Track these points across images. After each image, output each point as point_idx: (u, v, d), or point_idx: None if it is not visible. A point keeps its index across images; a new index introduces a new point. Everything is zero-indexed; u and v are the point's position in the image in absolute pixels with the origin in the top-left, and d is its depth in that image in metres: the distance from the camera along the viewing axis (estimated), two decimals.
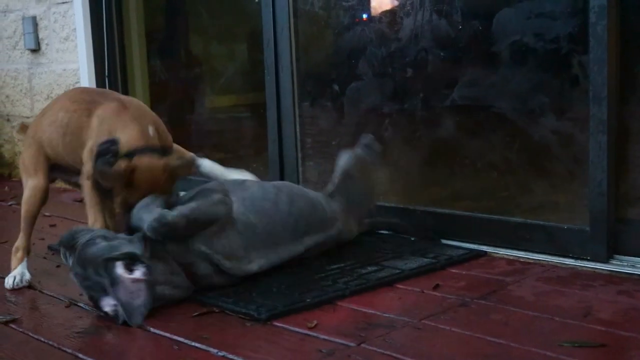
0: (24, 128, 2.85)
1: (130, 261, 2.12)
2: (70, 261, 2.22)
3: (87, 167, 2.42)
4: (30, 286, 2.48)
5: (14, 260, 2.57)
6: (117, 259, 2.12)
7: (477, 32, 2.77)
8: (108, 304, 2.11)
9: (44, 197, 2.61)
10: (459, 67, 2.84)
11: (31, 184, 2.60)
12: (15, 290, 2.48)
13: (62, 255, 2.29)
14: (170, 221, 2.19)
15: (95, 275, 2.12)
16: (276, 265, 2.40)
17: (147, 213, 2.23)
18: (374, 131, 3.14)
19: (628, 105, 2.42)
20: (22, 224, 2.60)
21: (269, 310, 2.06)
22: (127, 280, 2.09)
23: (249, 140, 4.00)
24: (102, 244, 2.18)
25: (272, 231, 2.40)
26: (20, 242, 2.59)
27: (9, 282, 2.51)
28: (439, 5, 2.84)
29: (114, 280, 2.09)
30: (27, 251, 2.59)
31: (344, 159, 2.79)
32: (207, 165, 2.69)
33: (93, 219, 2.48)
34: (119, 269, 2.10)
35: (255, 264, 2.34)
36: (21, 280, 2.51)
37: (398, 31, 2.99)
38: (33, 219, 2.60)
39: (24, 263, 2.56)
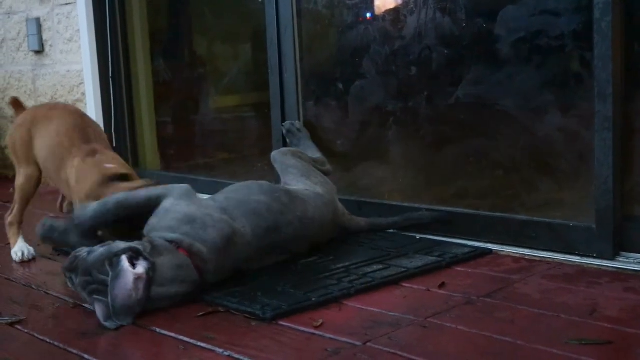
0: (16, 104, 3.02)
1: (134, 255, 2.12)
2: (77, 282, 2.20)
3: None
4: (35, 287, 2.48)
5: (10, 235, 2.85)
6: (122, 252, 2.12)
7: (481, 29, 2.77)
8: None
9: (38, 183, 2.89)
10: (463, 65, 2.84)
11: (24, 172, 2.85)
12: (24, 262, 2.78)
13: (68, 282, 2.29)
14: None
15: (100, 274, 2.13)
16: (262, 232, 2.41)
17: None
18: (379, 129, 3.14)
19: (633, 102, 2.41)
20: (17, 204, 2.86)
21: (275, 309, 2.06)
22: (130, 274, 2.08)
23: (253, 140, 4.00)
24: (102, 249, 2.18)
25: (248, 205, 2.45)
26: (13, 217, 2.86)
27: (18, 255, 2.79)
28: (443, 3, 2.83)
29: (117, 274, 2.08)
30: (20, 224, 2.86)
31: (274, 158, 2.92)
32: None
33: None
34: (124, 262, 2.10)
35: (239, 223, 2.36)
36: (28, 254, 2.80)
37: (402, 29, 2.98)
38: (28, 201, 2.88)
39: (22, 237, 2.84)
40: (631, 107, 2.41)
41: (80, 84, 4.29)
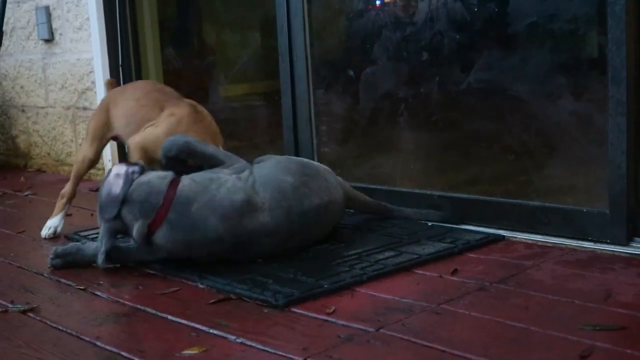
0: (111, 84, 3.29)
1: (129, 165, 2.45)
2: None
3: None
4: (47, 275, 2.48)
5: (57, 205, 3.04)
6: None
7: (492, 14, 2.75)
8: None
9: (92, 165, 3.09)
10: (475, 50, 2.82)
11: (85, 151, 3.04)
12: (49, 239, 2.94)
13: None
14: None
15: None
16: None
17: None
18: (390, 116, 3.12)
19: None
20: (72, 179, 3.06)
21: (287, 296, 2.06)
22: (112, 173, 2.43)
23: (264, 127, 3.99)
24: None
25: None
26: (66, 189, 3.04)
27: (45, 231, 2.97)
28: None
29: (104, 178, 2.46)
30: (70, 199, 3.05)
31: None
32: None
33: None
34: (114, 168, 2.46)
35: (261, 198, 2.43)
36: (54, 232, 2.97)
37: (413, 15, 2.96)
38: (80, 177, 3.08)
39: (63, 213, 3.02)
40: None
41: (90, 72, 4.28)
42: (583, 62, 2.59)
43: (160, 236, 2.37)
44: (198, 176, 2.45)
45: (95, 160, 3.07)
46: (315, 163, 2.80)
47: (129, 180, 2.41)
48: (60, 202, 3.04)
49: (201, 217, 2.34)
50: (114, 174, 2.43)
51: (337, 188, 2.66)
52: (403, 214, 2.85)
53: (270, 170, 2.51)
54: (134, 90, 3.02)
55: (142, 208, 2.37)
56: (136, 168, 2.45)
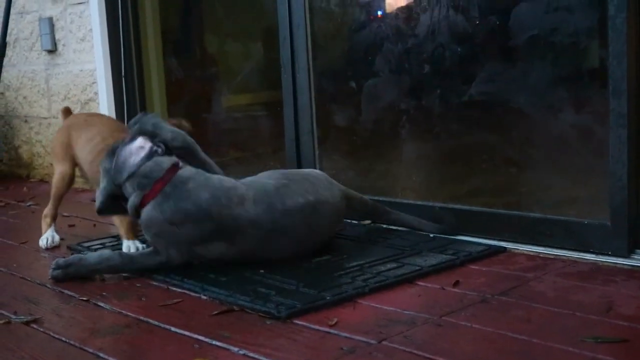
0: (66, 113, 3.29)
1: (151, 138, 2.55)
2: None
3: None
4: (50, 286, 2.49)
5: (43, 225, 3.08)
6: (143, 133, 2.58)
7: (494, 27, 2.76)
8: None
9: (70, 181, 3.12)
10: (476, 62, 2.83)
11: (59, 169, 3.09)
12: (49, 249, 3.00)
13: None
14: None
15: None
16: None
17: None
18: (392, 127, 3.14)
19: None
20: (52, 199, 3.09)
21: (289, 308, 2.06)
22: (138, 142, 2.53)
23: (266, 138, 4.00)
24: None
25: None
26: (48, 210, 3.09)
27: (42, 242, 3.03)
28: (456, 0, 2.83)
29: (128, 141, 2.54)
30: (54, 218, 3.09)
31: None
32: None
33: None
34: (139, 136, 2.55)
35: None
36: (52, 241, 3.04)
37: (415, 27, 2.98)
38: (61, 197, 3.10)
39: (52, 227, 3.08)
40: None
41: (93, 83, 4.30)
42: (584, 75, 2.60)
43: (151, 206, 2.47)
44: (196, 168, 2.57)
45: (73, 176, 3.11)
46: (305, 170, 2.89)
47: (149, 156, 2.51)
48: (45, 221, 3.09)
49: (194, 191, 2.45)
50: (138, 144, 2.53)
51: (330, 189, 2.67)
52: (399, 218, 2.88)
53: (255, 177, 2.65)
54: (101, 126, 3.06)
55: (141, 181, 2.48)
56: (159, 149, 2.54)
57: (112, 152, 2.58)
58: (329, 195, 2.64)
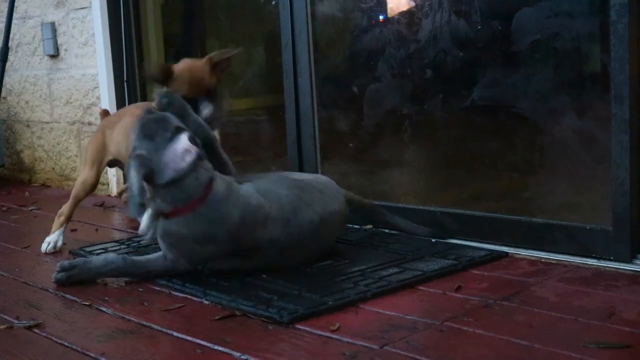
0: (104, 114, 3.35)
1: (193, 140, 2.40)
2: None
3: None
4: (52, 291, 2.49)
5: (55, 224, 3.05)
6: (185, 130, 2.42)
7: (496, 32, 2.76)
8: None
9: (92, 188, 3.11)
10: (478, 67, 2.83)
11: (85, 175, 3.09)
12: (49, 254, 2.97)
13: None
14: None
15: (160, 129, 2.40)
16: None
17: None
18: (393, 132, 3.14)
19: None
20: (71, 200, 3.08)
21: (291, 313, 2.06)
22: (185, 144, 2.37)
23: (268, 142, 4.00)
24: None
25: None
26: (65, 209, 3.07)
27: (43, 247, 3.00)
28: (458, 5, 2.83)
29: (174, 139, 2.38)
30: (68, 218, 3.07)
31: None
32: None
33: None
34: (185, 136, 2.39)
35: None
36: (54, 246, 2.99)
37: (417, 32, 2.98)
38: (79, 200, 3.10)
39: (62, 229, 3.04)
40: None
41: (95, 87, 4.30)
42: (586, 80, 2.60)
43: (179, 222, 2.38)
44: (219, 175, 2.47)
45: (95, 184, 3.11)
46: (312, 176, 2.82)
47: (193, 163, 2.37)
48: (58, 220, 3.06)
49: (227, 213, 2.39)
50: (184, 147, 2.37)
51: (337, 197, 2.67)
52: (393, 221, 2.89)
53: (268, 183, 2.56)
54: (134, 109, 3.04)
55: (178, 195, 2.37)
56: (201, 154, 2.42)
57: (144, 130, 2.42)
58: (336, 204, 2.64)
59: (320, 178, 2.78)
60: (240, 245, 2.41)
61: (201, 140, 2.48)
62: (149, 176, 2.35)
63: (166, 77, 2.69)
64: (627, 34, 2.30)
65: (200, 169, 2.39)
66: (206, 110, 2.66)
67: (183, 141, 2.38)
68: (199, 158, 2.39)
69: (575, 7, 2.52)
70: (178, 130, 2.40)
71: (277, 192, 2.51)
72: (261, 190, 2.50)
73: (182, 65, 2.74)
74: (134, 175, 2.31)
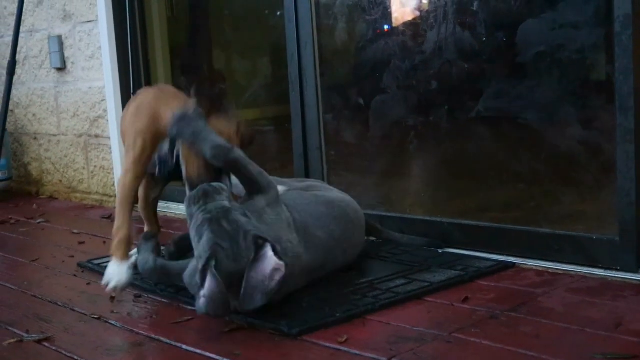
0: None
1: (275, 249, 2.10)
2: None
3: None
4: (61, 304, 2.50)
5: (115, 249, 2.41)
6: (267, 239, 2.11)
7: (501, 43, 2.78)
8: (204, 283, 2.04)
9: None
10: (483, 78, 2.85)
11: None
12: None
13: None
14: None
15: (239, 237, 2.10)
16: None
17: None
18: (400, 144, 3.15)
19: None
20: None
21: (300, 325, 2.07)
22: (272, 262, 2.06)
23: (274, 154, 4.02)
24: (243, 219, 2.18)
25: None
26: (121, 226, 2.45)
27: (105, 281, 2.38)
28: (462, 17, 2.85)
29: (260, 257, 2.07)
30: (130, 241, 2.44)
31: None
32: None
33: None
34: (269, 250, 2.08)
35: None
36: (118, 285, 2.35)
37: (422, 44, 3.00)
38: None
39: (127, 262, 2.38)
40: None
41: (102, 100, 4.33)
42: (591, 91, 2.61)
43: None
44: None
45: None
46: (342, 198, 2.68)
47: (283, 278, 2.10)
48: (118, 246, 2.44)
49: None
50: (274, 266, 2.08)
51: (362, 227, 2.69)
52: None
53: (304, 217, 2.44)
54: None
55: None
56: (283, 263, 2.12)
57: (217, 238, 2.11)
58: (363, 235, 2.67)
59: (351, 203, 2.69)
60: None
61: (221, 165, 2.35)
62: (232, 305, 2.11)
63: None
64: (632, 46, 2.31)
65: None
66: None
67: (270, 259, 2.09)
68: (285, 271, 2.10)
69: (580, 19, 2.54)
70: (259, 242, 2.11)
71: (315, 234, 2.42)
72: (299, 228, 2.38)
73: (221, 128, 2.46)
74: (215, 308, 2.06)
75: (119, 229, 2.43)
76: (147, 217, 2.90)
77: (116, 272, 2.36)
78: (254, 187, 2.39)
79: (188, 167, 2.43)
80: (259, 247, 2.09)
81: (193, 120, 2.34)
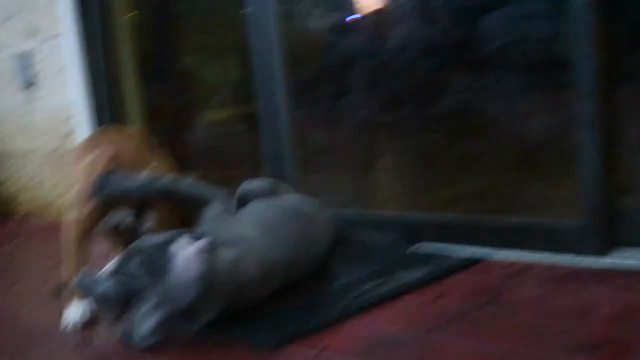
0: None
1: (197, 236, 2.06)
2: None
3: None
4: (42, 329, 2.50)
5: (66, 298, 2.45)
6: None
7: (464, 37, 2.79)
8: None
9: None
10: (447, 73, 2.86)
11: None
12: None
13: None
14: None
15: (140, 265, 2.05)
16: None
17: None
18: (368, 141, 3.16)
19: (615, 100, 2.43)
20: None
21: (275, 338, 2.08)
22: (188, 248, 2.01)
23: (245, 158, 4.02)
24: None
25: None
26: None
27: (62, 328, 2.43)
28: (425, 13, 2.86)
29: (175, 253, 2.03)
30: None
31: None
32: None
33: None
34: (182, 240, 2.05)
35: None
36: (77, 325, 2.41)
37: (387, 42, 3.01)
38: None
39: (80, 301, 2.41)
40: (613, 104, 2.43)
41: (71, 116, 4.31)
42: (553, 80, 2.63)
43: None
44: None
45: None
46: (302, 203, 2.72)
47: (206, 273, 2.09)
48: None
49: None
50: (193, 253, 2.04)
51: (328, 221, 2.70)
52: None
53: (261, 216, 2.47)
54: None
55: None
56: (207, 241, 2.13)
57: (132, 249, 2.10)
58: (330, 239, 2.68)
59: (307, 199, 2.72)
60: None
61: (157, 194, 2.33)
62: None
63: None
64: (591, 32, 2.33)
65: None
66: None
67: (184, 248, 2.05)
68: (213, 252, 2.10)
69: (539, 9, 2.55)
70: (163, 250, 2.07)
71: (277, 229, 2.42)
72: (258, 225, 2.38)
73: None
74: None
75: (68, 277, 2.42)
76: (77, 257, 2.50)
77: (72, 313, 2.42)
78: (197, 203, 2.40)
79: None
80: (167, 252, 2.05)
81: (112, 176, 2.32)
